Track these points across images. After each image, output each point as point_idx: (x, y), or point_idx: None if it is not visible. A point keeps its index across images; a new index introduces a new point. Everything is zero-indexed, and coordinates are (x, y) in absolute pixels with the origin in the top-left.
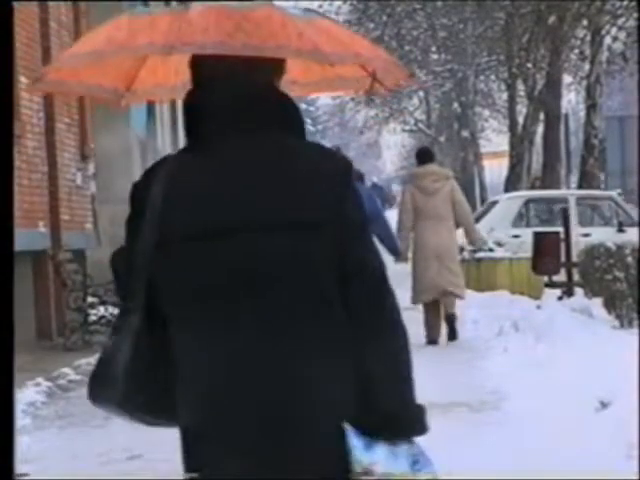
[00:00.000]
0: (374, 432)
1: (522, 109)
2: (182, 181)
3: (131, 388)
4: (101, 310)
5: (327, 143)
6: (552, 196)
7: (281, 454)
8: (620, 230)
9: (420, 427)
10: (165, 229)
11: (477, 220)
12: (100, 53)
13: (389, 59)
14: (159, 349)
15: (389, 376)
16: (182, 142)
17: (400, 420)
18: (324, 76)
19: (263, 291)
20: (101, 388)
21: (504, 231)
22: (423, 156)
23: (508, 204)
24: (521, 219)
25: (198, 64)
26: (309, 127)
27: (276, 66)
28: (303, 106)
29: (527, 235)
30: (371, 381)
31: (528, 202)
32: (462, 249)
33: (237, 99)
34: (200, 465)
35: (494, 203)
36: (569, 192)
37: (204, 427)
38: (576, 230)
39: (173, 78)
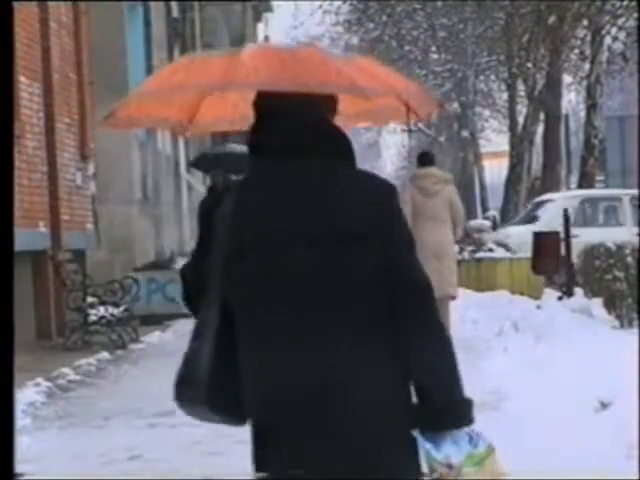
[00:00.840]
0: (432, 427)
1: (522, 109)
2: (248, 202)
3: (213, 388)
4: (101, 310)
5: None
6: (607, 195)
7: (341, 452)
8: None
9: (470, 417)
10: (235, 243)
11: (530, 220)
12: (163, 92)
13: (421, 91)
14: (236, 352)
15: (442, 374)
16: (182, 142)
17: (455, 411)
18: (365, 108)
19: (318, 297)
20: (186, 389)
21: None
22: (424, 159)
23: (564, 204)
24: (578, 218)
25: (261, 102)
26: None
27: (329, 103)
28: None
29: (585, 235)
30: (424, 376)
31: (584, 201)
32: (462, 249)
33: (295, 132)
34: (266, 465)
35: (542, 203)
36: (623, 192)
37: (269, 425)
38: (631, 230)
39: (231, 112)
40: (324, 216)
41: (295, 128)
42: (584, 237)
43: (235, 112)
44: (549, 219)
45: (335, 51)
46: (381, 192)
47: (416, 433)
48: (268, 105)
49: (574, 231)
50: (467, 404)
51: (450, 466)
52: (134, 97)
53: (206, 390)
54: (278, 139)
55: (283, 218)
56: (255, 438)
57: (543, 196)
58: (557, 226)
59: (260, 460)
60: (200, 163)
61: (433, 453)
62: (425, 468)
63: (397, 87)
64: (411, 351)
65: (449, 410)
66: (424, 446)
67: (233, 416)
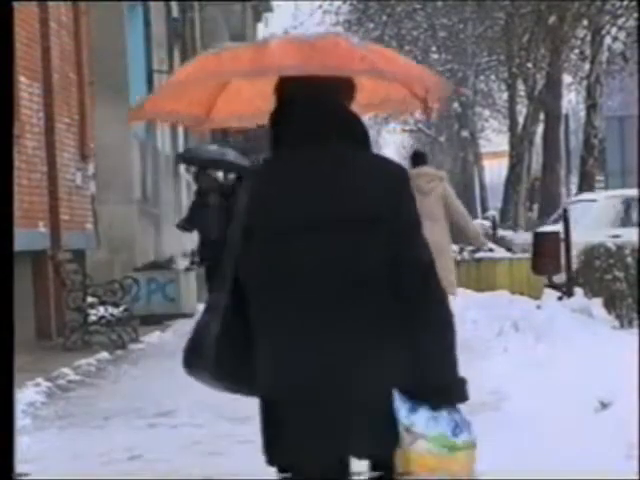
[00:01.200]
0: (420, 398)
1: (522, 109)
2: (267, 183)
3: (220, 358)
4: (101, 310)
5: None
6: None
7: (343, 414)
8: None
9: (461, 395)
10: (251, 223)
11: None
12: (191, 81)
13: (436, 77)
14: (243, 326)
15: (435, 351)
16: (182, 142)
17: (443, 388)
18: (380, 98)
19: (329, 275)
20: (195, 358)
21: (604, 231)
22: (417, 159)
23: (606, 204)
24: (619, 219)
25: (282, 88)
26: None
27: (348, 91)
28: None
29: (628, 235)
30: (420, 355)
31: (627, 201)
32: (462, 249)
33: (313, 117)
34: (272, 448)
35: (576, 203)
36: None
37: (280, 395)
38: None
39: (245, 107)
40: (338, 200)
41: (313, 114)
42: (626, 237)
43: (249, 107)
44: (590, 218)
45: (357, 39)
46: (393, 176)
47: (396, 394)
48: (289, 91)
49: (616, 231)
50: (459, 383)
51: (408, 431)
52: (162, 89)
53: (212, 360)
54: (296, 124)
55: (297, 203)
56: (263, 405)
57: (580, 196)
58: (603, 226)
59: (269, 424)
60: (182, 159)
61: (401, 415)
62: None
63: (414, 72)
64: (412, 329)
65: (439, 389)
66: (396, 405)
67: (236, 386)
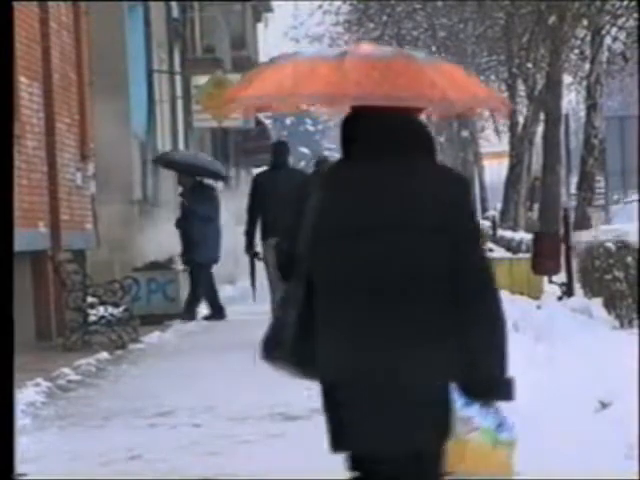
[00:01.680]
0: (473, 394)
1: (522, 109)
2: (336, 187)
3: (296, 347)
4: (101, 310)
5: (327, 143)
6: None
7: (402, 404)
8: None
9: (508, 394)
10: (321, 223)
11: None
12: (272, 99)
13: (499, 96)
14: (315, 317)
15: (488, 352)
16: (182, 142)
17: (493, 386)
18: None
19: (391, 276)
20: (272, 347)
21: None
22: None
23: None
24: None
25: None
26: (309, 127)
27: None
28: (303, 106)
29: None
30: (472, 353)
31: None
32: None
33: (384, 128)
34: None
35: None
36: None
37: (341, 379)
38: None
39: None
40: (403, 207)
41: (383, 126)
42: None
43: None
44: None
45: (421, 55)
46: (456, 186)
47: (453, 387)
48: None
49: None
50: (506, 383)
51: (465, 422)
52: (244, 98)
53: (290, 349)
54: (366, 134)
55: (365, 207)
56: (325, 389)
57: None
58: None
59: (330, 406)
60: (159, 162)
61: (458, 408)
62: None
63: (479, 95)
64: (467, 330)
65: (488, 386)
66: (454, 398)
67: (309, 372)
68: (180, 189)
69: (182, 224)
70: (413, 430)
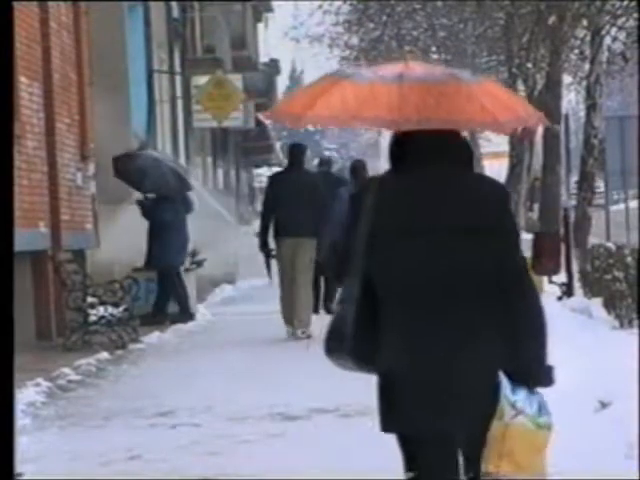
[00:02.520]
0: (518, 380)
1: None
2: (388, 194)
3: (356, 342)
4: (101, 310)
5: (327, 143)
6: None
7: (454, 391)
8: None
9: (549, 380)
10: (378, 226)
11: None
12: (338, 120)
13: (537, 113)
14: (373, 315)
15: (531, 342)
16: (182, 142)
17: (536, 373)
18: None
19: (444, 275)
20: (334, 343)
21: None
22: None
23: None
24: None
25: None
26: (309, 127)
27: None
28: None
29: None
30: (519, 346)
31: None
32: None
33: (431, 142)
34: (387, 420)
35: None
36: None
37: (399, 372)
38: None
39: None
40: (452, 212)
41: (432, 140)
42: None
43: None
44: None
45: (467, 76)
46: (498, 194)
47: (501, 375)
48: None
49: None
50: (547, 370)
51: (513, 406)
52: (308, 117)
53: (350, 343)
54: (417, 146)
55: (417, 212)
56: (382, 381)
57: None
58: None
59: (385, 398)
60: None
61: (506, 391)
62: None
63: (522, 115)
64: (513, 323)
65: (531, 373)
66: (503, 384)
67: (369, 365)
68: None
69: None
70: (466, 414)
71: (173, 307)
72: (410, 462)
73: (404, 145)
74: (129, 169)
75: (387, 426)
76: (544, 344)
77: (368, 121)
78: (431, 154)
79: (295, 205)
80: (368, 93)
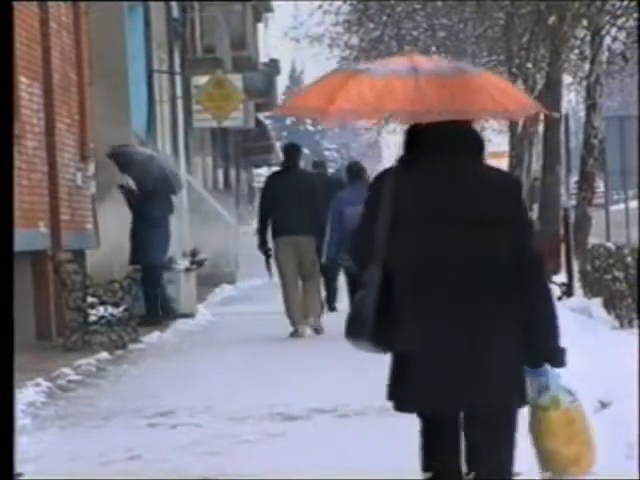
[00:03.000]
0: (535, 361)
1: None
2: (405, 181)
3: (376, 325)
4: (101, 310)
5: (327, 143)
6: None
7: (472, 374)
8: None
9: (563, 361)
10: (396, 215)
11: None
12: (360, 113)
13: (535, 103)
14: (391, 298)
15: (547, 326)
16: (182, 142)
17: (552, 354)
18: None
19: (460, 261)
20: (355, 326)
21: None
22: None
23: None
24: None
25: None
26: (309, 127)
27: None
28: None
29: None
30: (536, 328)
31: None
32: None
33: (443, 133)
34: (397, 396)
35: None
36: None
37: (413, 353)
38: None
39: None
40: (468, 202)
41: (446, 131)
42: None
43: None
44: None
45: (470, 67)
46: (512, 186)
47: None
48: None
49: None
50: (562, 351)
51: (570, 393)
52: (333, 110)
53: (371, 327)
54: (432, 138)
55: (434, 201)
56: (396, 361)
57: None
58: None
59: (393, 389)
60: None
61: (528, 373)
62: (529, 392)
63: (528, 103)
64: (529, 307)
65: (548, 353)
66: (553, 379)
67: (386, 347)
68: (128, 182)
69: (134, 223)
70: (492, 391)
71: (174, 307)
72: (427, 445)
73: (420, 136)
74: (126, 162)
75: (395, 398)
76: (558, 327)
77: (389, 113)
78: (445, 145)
79: (292, 205)
80: (385, 86)
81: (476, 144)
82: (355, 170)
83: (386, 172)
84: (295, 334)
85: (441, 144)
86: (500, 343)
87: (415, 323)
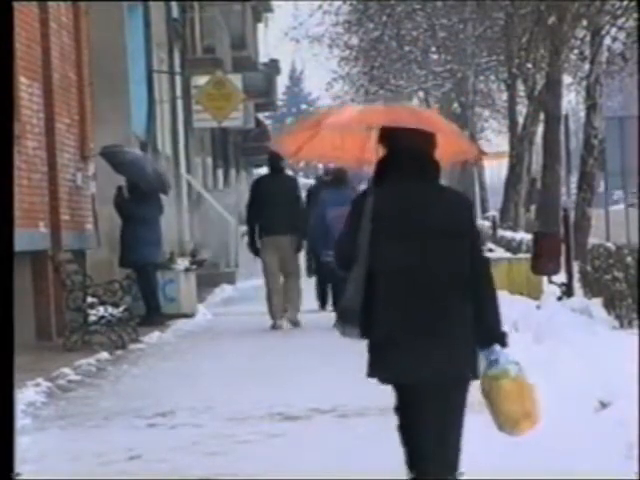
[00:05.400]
0: (484, 341)
1: (522, 109)
2: (381, 200)
3: (363, 316)
4: (101, 310)
5: None
6: None
7: (435, 352)
8: None
9: (505, 342)
10: (374, 226)
11: None
12: (345, 127)
13: (472, 149)
14: (373, 294)
15: (494, 315)
16: (182, 142)
17: (497, 336)
18: (452, 151)
19: (426, 265)
20: (349, 321)
21: None
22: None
23: None
24: None
25: (389, 139)
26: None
27: (432, 143)
28: (303, 106)
29: None
30: (486, 316)
31: None
32: None
33: (410, 161)
34: (375, 370)
35: None
36: None
37: (389, 336)
38: None
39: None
40: (431, 218)
41: (410, 158)
42: None
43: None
44: None
45: (422, 110)
46: (465, 204)
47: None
48: (393, 141)
49: None
50: (505, 334)
51: (484, 362)
52: (326, 125)
53: (358, 316)
54: (400, 164)
55: (404, 216)
56: (373, 345)
57: None
58: None
59: (375, 359)
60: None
61: (484, 353)
62: (481, 368)
63: (466, 150)
64: (480, 301)
65: (494, 335)
66: (503, 355)
67: (365, 333)
68: (124, 185)
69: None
70: (451, 364)
71: (171, 307)
72: (401, 412)
73: (389, 164)
74: (118, 162)
75: (373, 373)
76: (499, 314)
77: (373, 124)
78: (410, 170)
79: (274, 207)
80: (368, 110)
81: (434, 170)
82: (340, 177)
83: (366, 192)
84: (274, 327)
85: (406, 170)
86: (456, 329)
87: (389, 313)
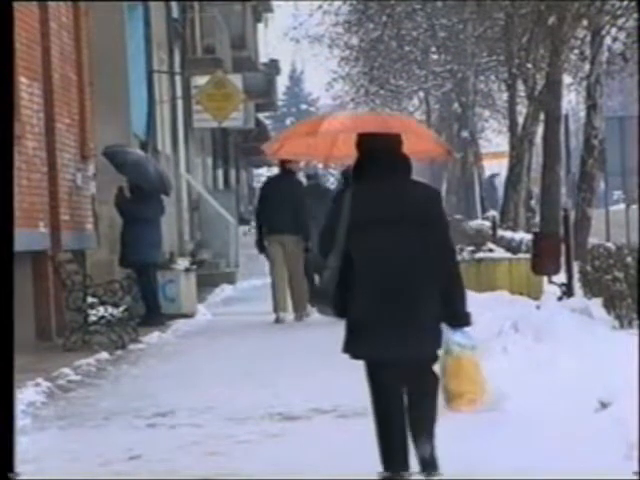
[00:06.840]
0: (451, 322)
1: (522, 109)
2: (359, 196)
3: (337, 299)
4: (101, 310)
5: None
6: None
7: (405, 332)
8: None
9: (469, 322)
10: (353, 218)
11: None
12: (332, 132)
13: (441, 147)
14: (348, 277)
15: (460, 298)
16: (182, 142)
17: (462, 317)
18: (418, 150)
19: (399, 252)
20: (323, 301)
21: None
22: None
23: None
24: None
25: (362, 143)
26: None
27: (400, 143)
28: (303, 107)
29: None
30: (451, 300)
31: None
32: (462, 249)
33: (383, 160)
34: (352, 347)
35: None
36: None
37: (364, 317)
38: None
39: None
40: (403, 209)
41: (383, 158)
42: None
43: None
44: None
45: (397, 113)
46: (434, 196)
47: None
48: (369, 145)
49: None
50: (469, 314)
51: (454, 343)
52: (322, 131)
53: (332, 298)
54: (374, 163)
55: (379, 209)
56: (350, 325)
57: None
58: None
59: (352, 338)
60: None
61: (449, 334)
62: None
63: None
64: (447, 285)
65: (459, 317)
66: (451, 335)
67: (341, 313)
68: (125, 186)
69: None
70: (419, 344)
71: (171, 307)
72: (372, 387)
73: (365, 162)
74: (121, 162)
75: (348, 349)
76: (465, 298)
77: (362, 130)
78: (384, 168)
79: (280, 207)
80: (349, 118)
81: (407, 166)
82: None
83: (344, 189)
84: (277, 321)
85: (381, 167)
86: (426, 310)
87: (365, 296)
